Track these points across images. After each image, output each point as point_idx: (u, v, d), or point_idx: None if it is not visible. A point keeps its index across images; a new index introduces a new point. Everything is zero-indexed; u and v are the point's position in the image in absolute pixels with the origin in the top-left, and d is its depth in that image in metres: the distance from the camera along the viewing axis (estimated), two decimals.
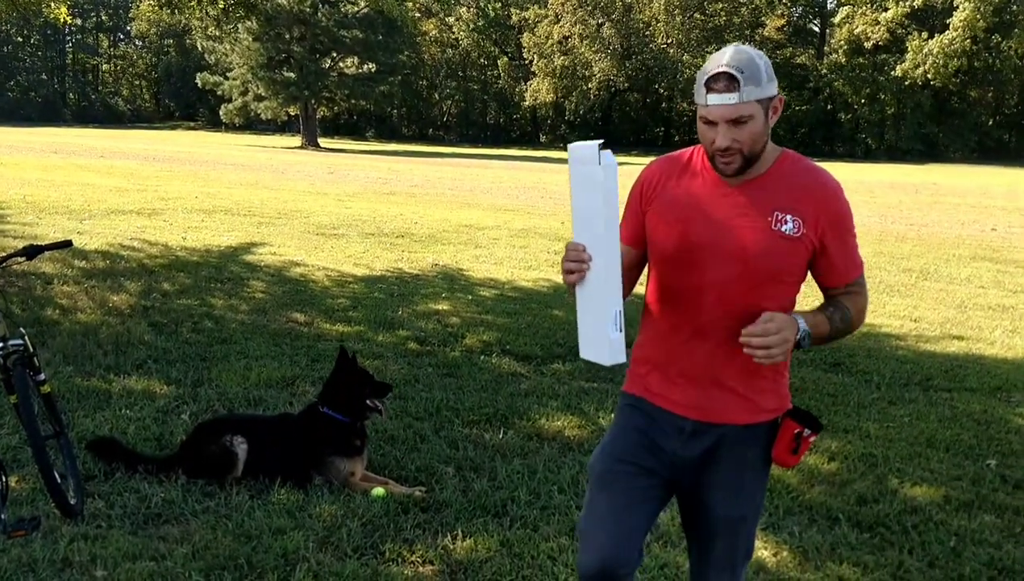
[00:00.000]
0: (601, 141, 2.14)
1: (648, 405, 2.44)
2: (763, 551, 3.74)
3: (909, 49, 53.76)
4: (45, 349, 6.08)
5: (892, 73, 54.97)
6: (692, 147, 2.41)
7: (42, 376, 3.97)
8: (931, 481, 4.64)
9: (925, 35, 53.25)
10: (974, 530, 4.06)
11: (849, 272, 2.34)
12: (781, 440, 2.35)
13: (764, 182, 2.28)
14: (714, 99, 2.15)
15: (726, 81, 2.13)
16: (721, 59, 2.16)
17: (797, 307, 2.35)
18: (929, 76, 52.98)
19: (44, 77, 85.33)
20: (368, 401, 4.29)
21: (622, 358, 2.23)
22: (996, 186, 32.78)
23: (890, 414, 5.76)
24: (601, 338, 2.22)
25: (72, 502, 3.73)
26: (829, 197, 2.28)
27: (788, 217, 2.24)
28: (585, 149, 2.17)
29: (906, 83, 54.76)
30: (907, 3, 54.08)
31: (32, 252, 3.99)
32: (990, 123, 61.01)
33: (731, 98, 2.13)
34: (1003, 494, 4.53)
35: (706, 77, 2.16)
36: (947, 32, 51.89)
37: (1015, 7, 51.57)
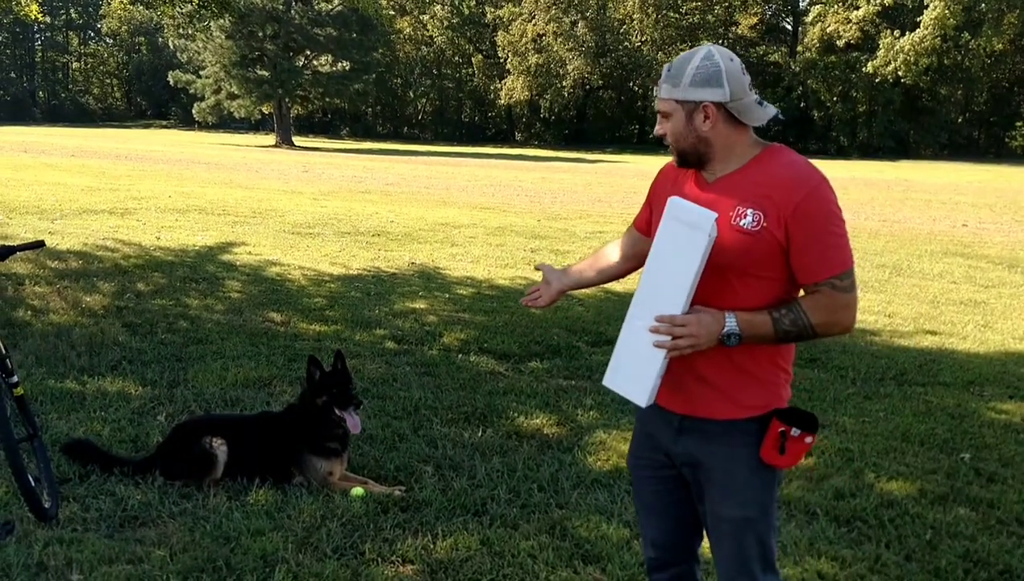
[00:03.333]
0: (716, 215, 2.22)
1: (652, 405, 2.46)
2: None
3: (880, 47, 54.23)
4: (17, 351, 6.00)
5: (864, 71, 55.43)
6: None
7: (15, 378, 3.92)
8: (907, 475, 4.68)
9: (897, 33, 53.74)
10: (949, 523, 4.11)
11: (815, 270, 2.27)
12: (767, 439, 2.33)
13: (737, 176, 2.32)
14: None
15: (661, 78, 2.35)
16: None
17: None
18: (900, 74, 53.46)
19: (13, 75, 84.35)
20: (335, 414, 4.19)
21: (653, 401, 2.35)
22: (966, 182, 33.18)
23: (866, 409, 5.81)
24: (643, 379, 2.30)
25: (46, 506, 3.69)
26: (798, 188, 2.24)
27: (748, 211, 2.25)
28: (697, 216, 2.22)
29: (877, 80, 55.22)
30: (878, 1, 54.52)
31: (4, 253, 3.93)
32: (959, 120, 61.68)
33: (657, 91, 2.34)
34: (977, 487, 4.58)
35: None
36: (917, 30, 52.38)
37: (984, 5, 52.15)
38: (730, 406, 2.36)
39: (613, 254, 2.79)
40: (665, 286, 2.25)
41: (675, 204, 2.27)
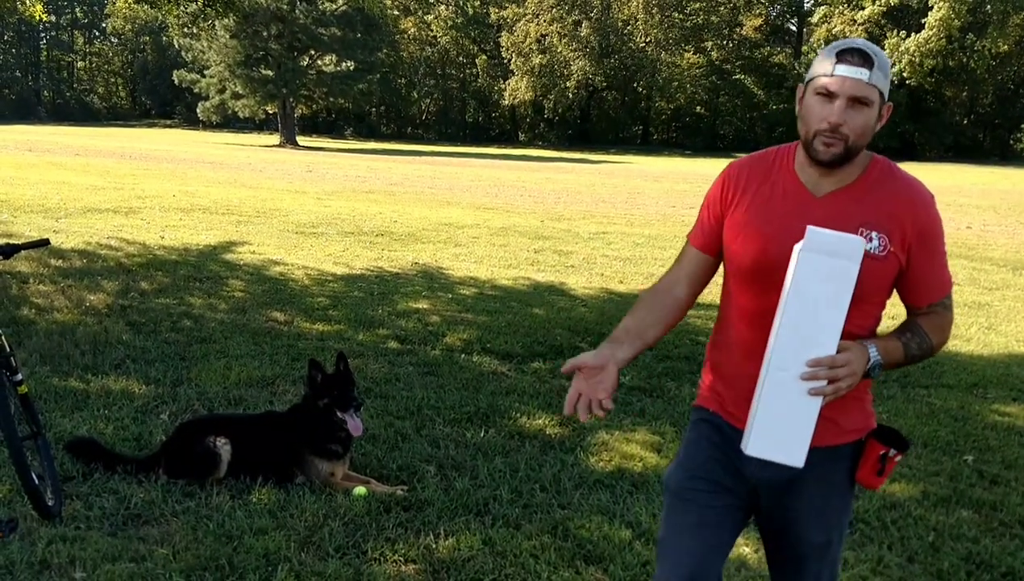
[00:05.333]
0: (864, 242, 2.01)
1: (724, 424, 2.30)
2: (744, 548, 3.76)
3: (886, 48, 54.20)
4: (21, 349, 6.01)
5: None
6: (778, 147, 2.27)
7: (19, 376, 3.92)
8: (909, 477, 4.68)
9: (902, 34, 53.69)
10: (952, 525, 4.11)
11: (933, 291, 2.19)
12: (866, 462, 2.22)
13: (852, 192, 2.14)
14: (844, 69, 2.03)
15: (861, 57, 2.03)
16: (853, 40, 2.07)
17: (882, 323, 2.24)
18: (905, 75, 53.41)
19: (18, 74, 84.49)
20: (337, 416, 4.19)
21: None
22: (970, 185, 33.14)
23: None
24: (798, 436, 2.04)
25: (50, 503, 3.70)
26: (919, 210, 2.12)
27: (874, 234, 2.09)
28: (846, 245, 1.98)
29: None
30: (883, 2, 54.50)
31: (8, 251, 3.94)
32: (965, 122, 61.64)
33: (863, 73, 2.02)
34: (980, 489, 4.58)
35: (838, 48, 2.06)
36: (923, 31, 52.34)
37: (989, 7, 52.08)
38: (833, 432, 2.20)
39: (677, 292, 2.38)
40: (814, 327, 2.01)
41: (817, 234, 1.99)
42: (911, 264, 2.13)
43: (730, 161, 2.38)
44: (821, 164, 2.11)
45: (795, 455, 2.06)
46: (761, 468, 2.19)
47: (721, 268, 2.37)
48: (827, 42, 57.33)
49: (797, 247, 2.03)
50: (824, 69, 2.06)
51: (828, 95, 2.05)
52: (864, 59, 2.03)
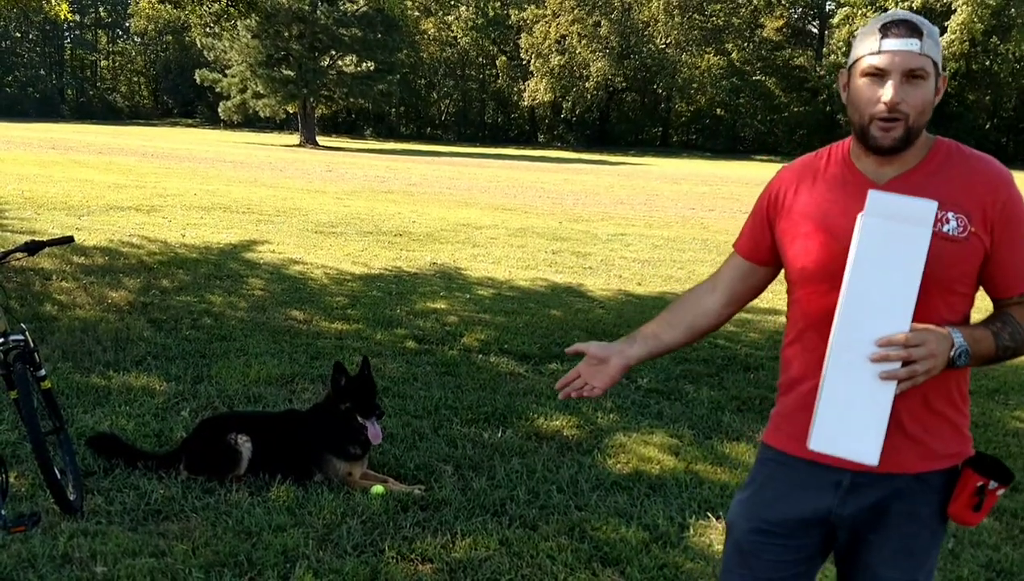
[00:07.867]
0: (936, 203, 1.81)
1: (795, 460, 2.04)
2: None
3: None
4: (44, 345, 6.07)
5: None
6: (827, 147, 2.11)
7: (42, 372, 3.96)
8: None
9: None
10: (972, 532, 4.07)
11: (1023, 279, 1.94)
12: (960, 494, 1.96)
13: (917, 176, 1.93)
14: (892, 44, 1.84)
15: (908, 28, 1.84)
16: (895, 12, 1.91)
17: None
18: None
19: (42, 73, 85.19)
20: (357, 420, 4.22)
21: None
22: None
23: None
24: (869, 429, 1.81)
25: (71, 498, 3.73)
26: (999, 187, 1.91)
27: (951, 215, 1.87)
28: (914, 207, 1.79)
29: None
30: (906, 4, 54.14)
31: (33, 247, 3.98)
32: (987, 126, 61.09)
33: (913, 44, 1.83)
34: (1001, 497, 4.53)
35: (882, 22, 1.87)
36: (945, 35, 51.96)
37: (1013, 10, 51.67)
38: (922, 457, 1.97)
39: (708, 300, 2.24)
40: (883, 303, 1.78)
41: (879, 199, 1.81)
42: (996, 247, 1.91)
43: (781, 167, 2.21)
44: (881, 151, 1.90)
45: (867, 451, 1.82)
46: (840, 504, 2.01)
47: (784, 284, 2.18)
48: (848, 44, 57.18)
49: (860, 216, 1.83)
50: (870, 47, 1.87)
51: (878, 74, 1.86)
52: (912, 29, 1.84)
